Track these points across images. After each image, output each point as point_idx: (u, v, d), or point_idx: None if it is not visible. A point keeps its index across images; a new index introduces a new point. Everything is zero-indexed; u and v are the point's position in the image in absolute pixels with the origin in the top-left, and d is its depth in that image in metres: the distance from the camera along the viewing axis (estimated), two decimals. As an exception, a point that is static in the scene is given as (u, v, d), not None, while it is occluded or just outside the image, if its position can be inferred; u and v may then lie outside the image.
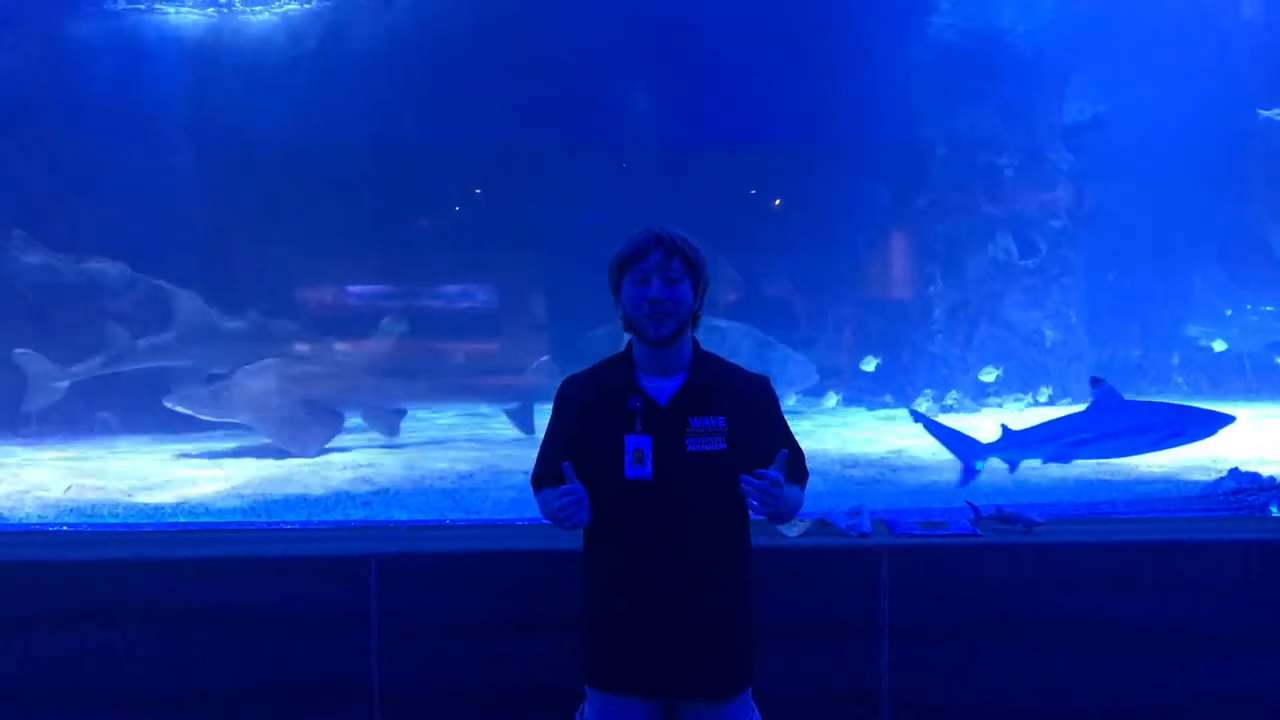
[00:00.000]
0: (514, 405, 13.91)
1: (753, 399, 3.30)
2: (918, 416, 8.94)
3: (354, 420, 12.96)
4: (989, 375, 15.45)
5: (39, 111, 14.62)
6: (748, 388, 3.32)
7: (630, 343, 3.34)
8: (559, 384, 3.46)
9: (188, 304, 13.85)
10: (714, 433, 3.19)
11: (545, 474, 3.36)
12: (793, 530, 4.30)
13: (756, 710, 3.36)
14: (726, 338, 14.80)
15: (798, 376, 15.24)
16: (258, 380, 12.16)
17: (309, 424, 11.97)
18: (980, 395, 15.81)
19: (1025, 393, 16.04)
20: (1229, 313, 16.54)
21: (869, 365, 15.52)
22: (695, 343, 3.34)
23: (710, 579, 3.24)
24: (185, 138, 15.52)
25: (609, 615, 3.28)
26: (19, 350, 13.17)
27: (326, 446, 11.81)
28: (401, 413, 13.35)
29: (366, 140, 16.31)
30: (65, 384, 13.25)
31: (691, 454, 3.18)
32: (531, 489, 3.48)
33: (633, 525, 3.21)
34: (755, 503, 3.05)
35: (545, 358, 14.79)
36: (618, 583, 3.26)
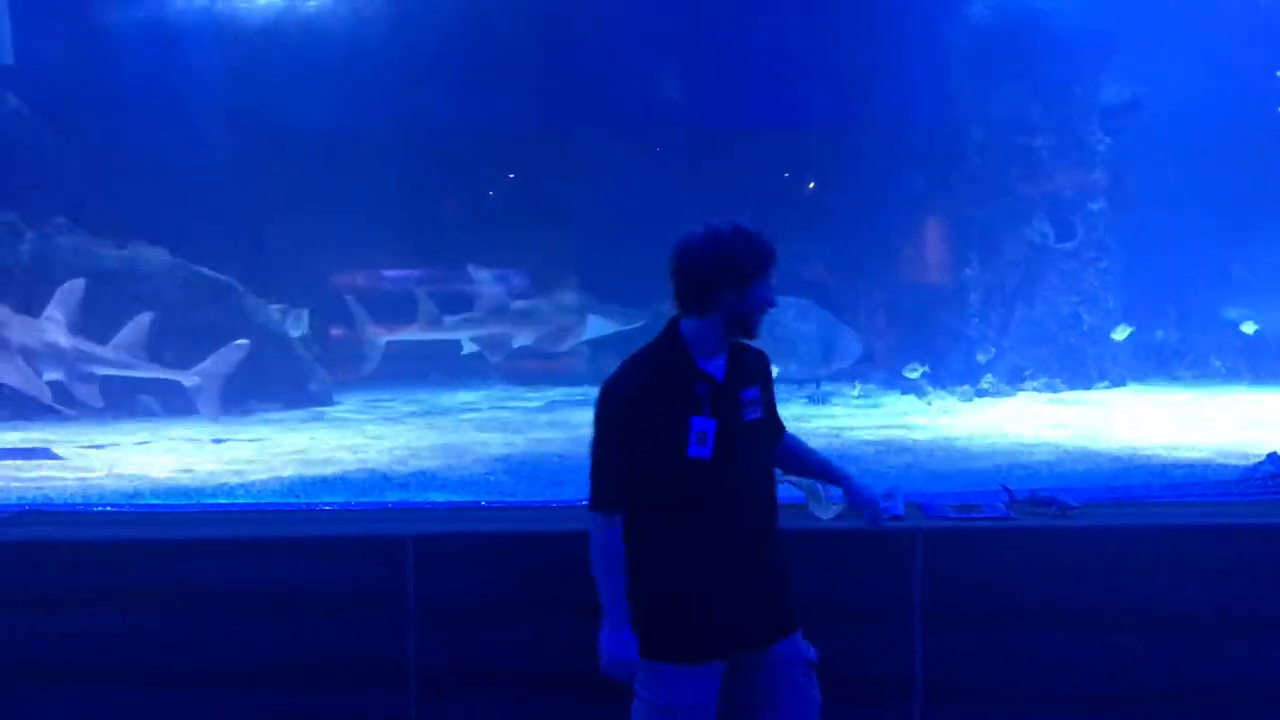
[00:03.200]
0: None
1: (765, 366, 3.65)
2: None
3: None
4: (1121, 333, 15.41)
5: (81, 98, 14.79)
6: (760, 357, 3.64)
7: (675, 326, 3.43)
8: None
9: (486, 287, 15.73)
10: (755, 402, 3.49)
11: (608, 495, 3.39)
12: (826, 513, 4.31)
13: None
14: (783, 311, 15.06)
15: (847, 350, 15.34)
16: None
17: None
18: (1016, 380, 15.71)
19: (1056, 377, 15.93)
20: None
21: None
22: None
23: (770, 536, 3.49)
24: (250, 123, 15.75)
25: (681, 588, 3.38)
26: (348, 296, 15.42)
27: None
28: None
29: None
30: (384, 343, 15.27)
31: (748, 423, 3.43)
32: (593, 512, 3.43)
33: (696, 501, 3.35)
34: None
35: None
36: (690, 555, 3.37)
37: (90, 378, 12.03)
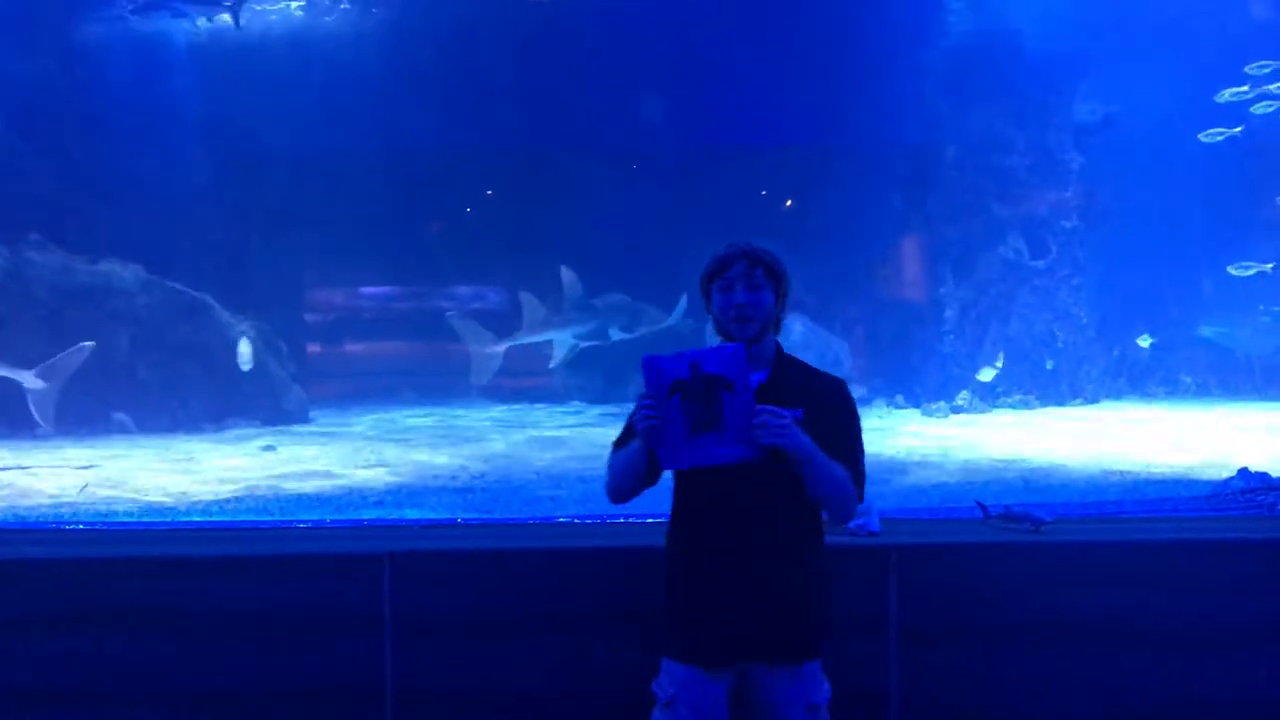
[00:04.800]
0: None
1: (829, 396, 3.53)
2: None
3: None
4: (986, 375, 15.43)
5: (56, 114, 14.74)
6: (826, 387, 3.55)
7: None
8: None
9: (570, 289, 15.87)
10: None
11: (620, 439, 3.58)
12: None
13: (827, 681, 3.51)
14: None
15: (836, 360, 15.53)
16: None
17: None
18: (991, 396, 15.81)
19: (1031, 394, 16.05)
20: (1261, 308, 16.46)
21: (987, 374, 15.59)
22: (778, 344, 3.61)
23: (768, 554, 3.43)
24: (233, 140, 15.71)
25: (692, 590, 3.47)
26: (450, 313, 15.62)
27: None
28: None
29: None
30: (501, 350, 15.36)
31: None
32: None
33: (685, 505, 3.52)
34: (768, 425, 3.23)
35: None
36: (699, 560, 3.47)
37: None
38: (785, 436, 3.23)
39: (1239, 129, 14.66)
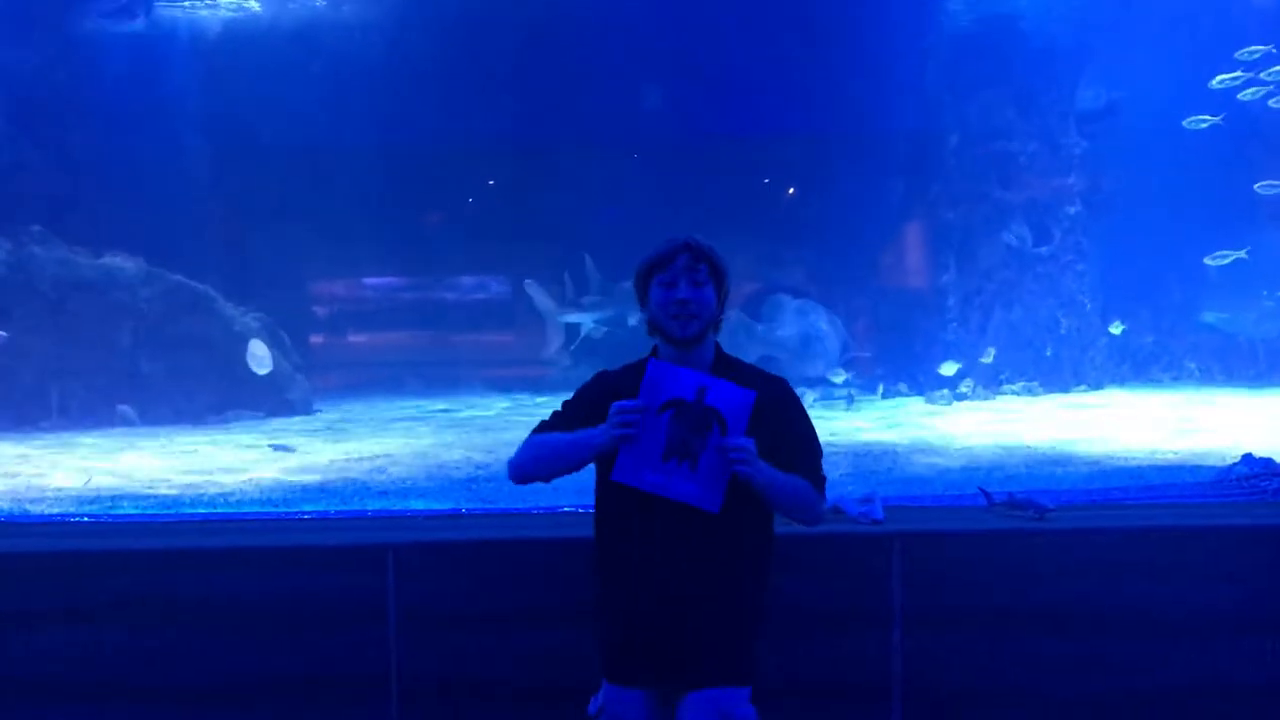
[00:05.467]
0: None
1: (774, 398, 3.38)
2: None
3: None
4: (949, 368, 15.41)
5: (57, 107, 14.72)
6: (769, 387, 3.39)
7: (655, 347, 3.44)
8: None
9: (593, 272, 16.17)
10: None
11: (549, 424, 3.46)
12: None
13: (754, 712, 3.36)
14: (780, 307, 15.25)
15: (836, 346, 15.51)
16: None
17: None
18: (994, 383, 15.79)
19: (1035, 380, 16.03)
20: (1265, 293, 16.41)
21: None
22: (718, 345, 3.45)
23: (720, 573, 3.31)
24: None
25: (618, 609, 3.38)
26: (528, 281, 15.95)
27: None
28: None
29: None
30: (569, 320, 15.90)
31: None
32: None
33: (644, 519, 3.29)
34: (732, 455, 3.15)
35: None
36: (627, 577, 3.34)
37: None
38: (752, 466, 3.15)
39: (1221, 116, 14.58)
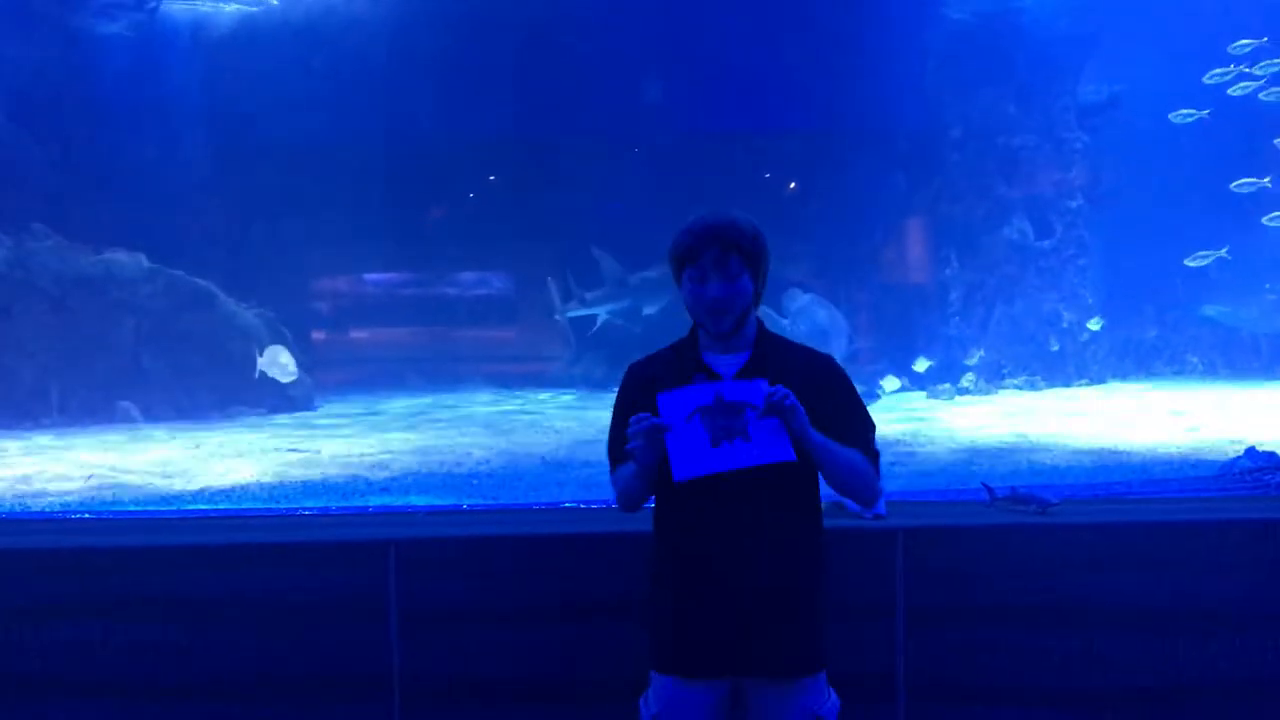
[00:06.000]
0: None
1: (818, 373, 3.24)
2: None
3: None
4: (921, 365, 15.41)
5: (57, 103, 14.71)
6: (813, 364, 3.27)
7: (694, 327, 3.32)
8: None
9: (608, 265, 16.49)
10: None
11: (617, 455, 3.29)
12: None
13: (833, 692, 3.31)
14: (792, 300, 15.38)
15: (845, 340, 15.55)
16: None
17: None
18: (997, 378, 15.79)
19: (1037, 375, 16.02)
20: (1268, 287, 16.41)
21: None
22: (759, 321, 3.31)
23: (776, 554, 3.18)
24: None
25: (676, 597, 3.24)
26: (549, 279, 16.56)
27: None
28: None
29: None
30: (601, 312, 16.34)
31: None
32: (610, 474, 3.39)
33: (696, 503, 3.16)
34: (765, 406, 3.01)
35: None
36: (683, 564, 3.23)
37: None
38: (797, 408, 2.99)
39: (1207, 111, 14.56)
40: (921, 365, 15.38)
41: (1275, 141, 14.46)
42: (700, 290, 3.16)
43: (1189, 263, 15.21)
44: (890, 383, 15.02)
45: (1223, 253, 15.00)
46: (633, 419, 3.07)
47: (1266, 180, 14.37)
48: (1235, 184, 14.56)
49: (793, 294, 15.94)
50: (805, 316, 15.58)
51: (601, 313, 16.49)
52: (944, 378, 15.46)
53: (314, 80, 16.15)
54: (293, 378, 13.47)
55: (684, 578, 3.23)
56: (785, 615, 3.19)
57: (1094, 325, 16.33)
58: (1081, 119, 17.01)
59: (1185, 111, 14.71)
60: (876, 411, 3.39)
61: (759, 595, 3.16)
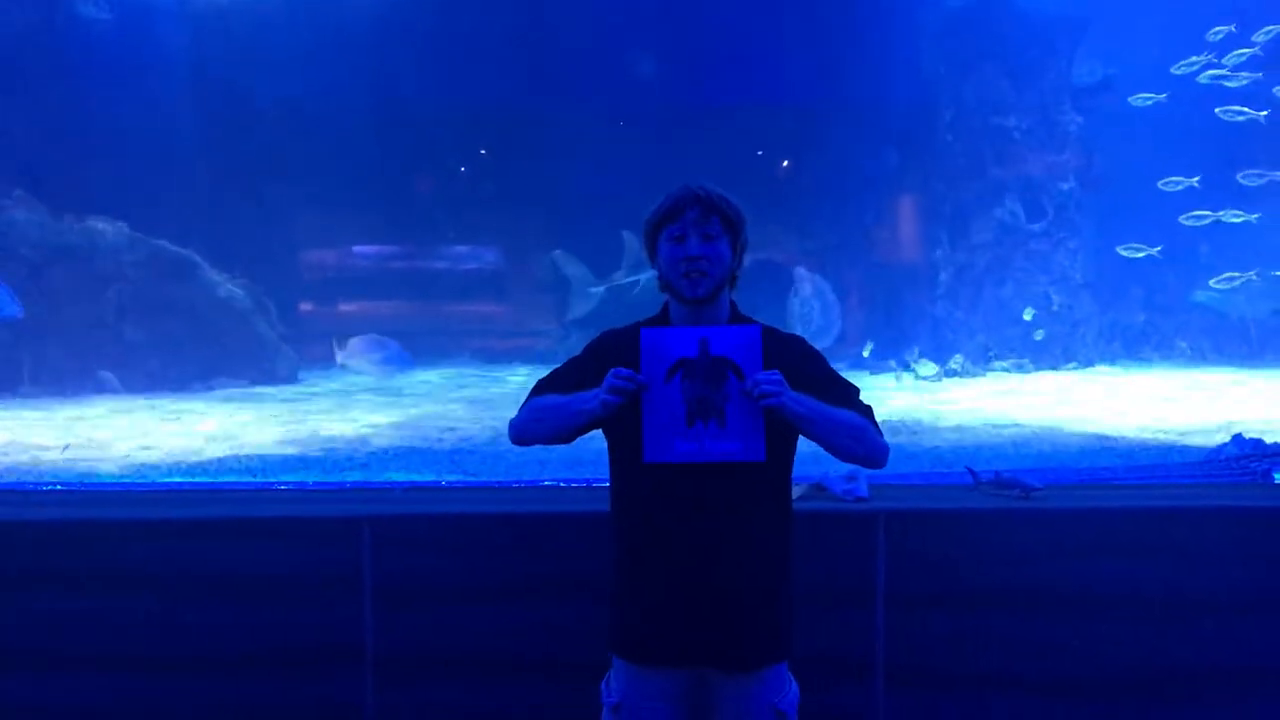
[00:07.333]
0: None
1: (792, 354, 3.14)
2: None
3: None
4: (928, 368, 15.36)
5: (39, 70, 14.53)
6: (787, 345, 3.17)
7: (666, 304, 3.22)
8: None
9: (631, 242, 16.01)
10: None
11: (548, 383, 3.23)
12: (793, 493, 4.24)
13: (794, 682, 3.24)
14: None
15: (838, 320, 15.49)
16: None
17: None
18: (984, 360, 15.75)
19: (1025, 357, 16.00)
20: (1254, 274, 16.39)
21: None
22: (733, 304, 3.20)
23: (742, 544, 3.10)
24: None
25: (647, 591, 3.14)
26: (557, 251, 15.92)
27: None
28: None
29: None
30: (600, 290, 15.71)
31: None
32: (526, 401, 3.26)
33: (659, 489, 3.07)
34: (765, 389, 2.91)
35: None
36: (645, 551, 3.13)
37: None
38: (781, 396, 2.90)
39: (1164, 95, 14.50)
40: (1028, 313, 15.36)
41: (1216, 110, 14.31)
42: (679, 249, 3.06)
43: (1121, 251, 15.11)
44: (926, 367, 15.02)
45: (1154, 251, 14.93)
46: (615, 369, 2.97)
47: (1195, 180, 14.32)
48: (1161, 182, 14.51)
49: (800, 274, 15.84)
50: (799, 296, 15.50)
51: (600, 289, 16.33)
52: (934, 358, 15.44)
53: (303, 49, 15.98)
54: (381, 371, 13.05)
55: (641, 562, 3.14)
56: (746, 606, 3.11)
57: (1027, 315, 16.27)
58: (1075, 100, 16.93)
59: (1144, 95, 14.65)
60: (864, 390, 3.30)
61: (719, 585, 3.07)
